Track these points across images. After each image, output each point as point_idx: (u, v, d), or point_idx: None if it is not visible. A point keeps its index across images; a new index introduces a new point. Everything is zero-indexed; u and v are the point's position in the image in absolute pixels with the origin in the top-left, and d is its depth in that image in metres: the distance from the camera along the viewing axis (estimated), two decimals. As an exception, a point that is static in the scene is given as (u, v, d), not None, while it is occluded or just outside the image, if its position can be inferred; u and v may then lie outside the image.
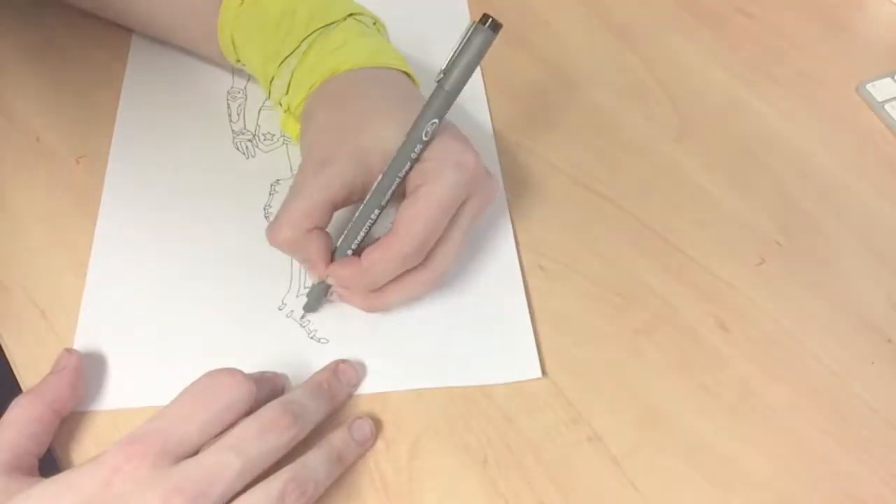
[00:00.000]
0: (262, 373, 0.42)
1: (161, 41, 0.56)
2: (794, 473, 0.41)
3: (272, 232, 0.42)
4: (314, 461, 0.38)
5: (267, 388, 0.41)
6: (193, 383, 0.37)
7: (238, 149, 0.51)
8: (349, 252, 0.43)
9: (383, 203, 0.42)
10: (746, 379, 0.44)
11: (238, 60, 0.50)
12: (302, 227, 0.41)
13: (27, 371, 0.43)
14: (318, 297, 0.45)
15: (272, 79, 0.47)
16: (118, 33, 0.57)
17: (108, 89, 0.54)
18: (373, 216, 0.42)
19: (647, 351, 0.45)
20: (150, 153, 0.51)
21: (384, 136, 0.42)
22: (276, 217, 0.42)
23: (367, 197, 0.42)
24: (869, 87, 0.58)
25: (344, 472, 0.40)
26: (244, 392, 0.37)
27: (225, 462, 0.35)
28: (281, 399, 0.38)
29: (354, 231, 0.43)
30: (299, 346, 0.44)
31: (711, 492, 0.41)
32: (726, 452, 0.42)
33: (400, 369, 0.44)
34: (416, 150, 0.41)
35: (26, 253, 0.47)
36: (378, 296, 0.43)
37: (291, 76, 0.46)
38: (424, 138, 0.41)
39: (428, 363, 0.44)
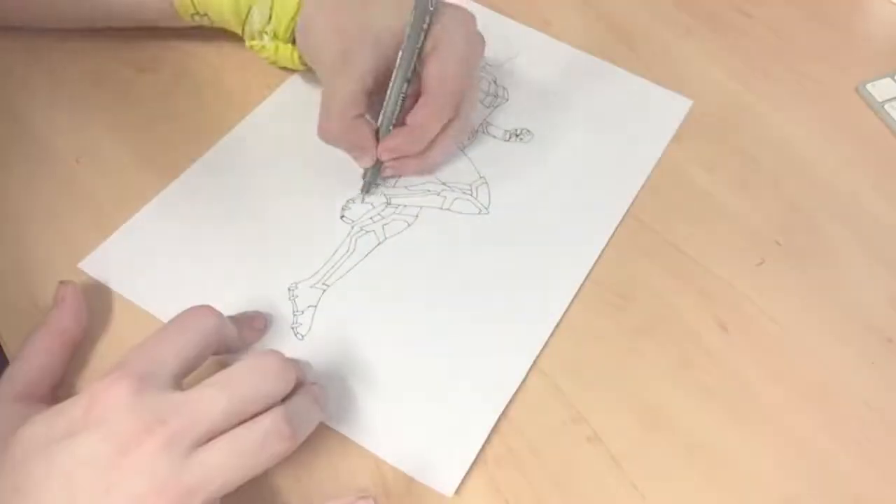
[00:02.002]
0: (243, 313, 0.44)
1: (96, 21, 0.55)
2: (794, 473, 0.41)
3: (323, 127, 0.47)
4: (301, 406, 0.37)
5: (246, 326, 0.43)
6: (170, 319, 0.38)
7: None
8: (391, 128, 0.48)
9: (409, 75, 0.47)
10: (746, 379, 0.44)
11: (195, 14, 0.51)
12: (349, 116, 0.47)
13: (27, 371, 0.43)
14: (373, 178, 0.50)
15: (248, 11, 0.50)
16: (118, 34, 0.57)
17: (108, 90, 0.54)
18: (403, 90, 0.47)
19: (647, 351, 0.45)
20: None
21: (389, 16, 0.47)
22: (323, 114, 0.47)
23: (395, 73, 0.47)
24: (869, 87, 0.58)
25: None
26: (214, 319, 0.38)
27: (210, 397, 0.34)
28: (273, 350, 0.38)
29: (391, 108, 0.48)
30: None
31: (711, 492, 0.41)
32: (726, 452, 0.42)
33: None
34: (427, 21, 0.46)
35: (26, 253, 0.47)
36: (427, 156, 0.49)
37: (272, 1, 0.49)
38: (431, 8, 0.46)
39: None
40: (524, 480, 0.41)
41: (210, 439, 0.34)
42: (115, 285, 0.46)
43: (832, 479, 0.41)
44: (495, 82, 0.56)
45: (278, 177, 0.51)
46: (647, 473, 0.41)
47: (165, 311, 0.44)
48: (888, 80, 0.58)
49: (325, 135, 0.48)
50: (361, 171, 0.50)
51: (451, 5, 0.48)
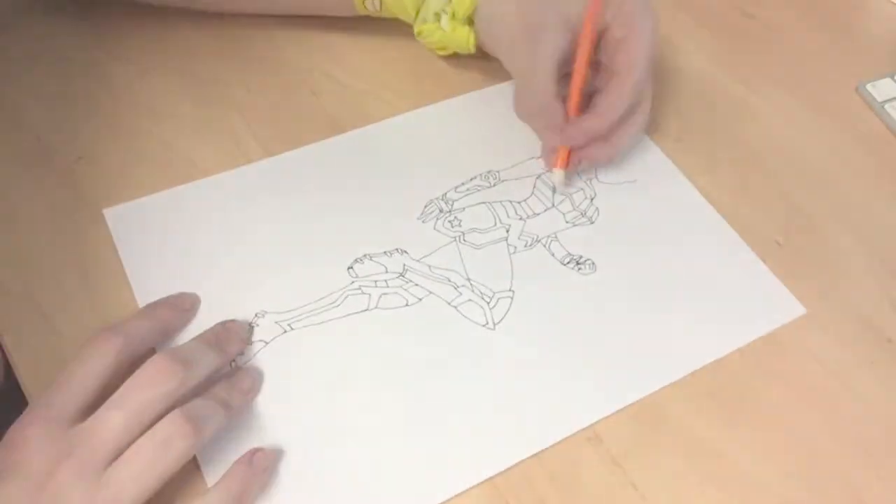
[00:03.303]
0: (169, 297, 0.44)
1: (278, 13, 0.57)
2: (794, 474, 0.41)
3: (523, 104, 0.49)
4: (200, 405, 0.38)
5: (169, 311, 0.43)
6: None
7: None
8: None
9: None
10: (746, 379, 0.44)
11: (371, 1, 0.53)
12: (549, 94, 0.47)
13: (27, 371, 0.42)
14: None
15: None
16: (118, 34, 0.57)
17: (109, 89, 0.54)
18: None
19: (647, 351, 0.45)
20: None
21: (577, 1, 0.48)
22: (522, 91, 0.48)
23: (580, 57, 0.48)
24: (869, 87, 0.58)
25: (232, 420, 0.40)
26: (115, 344, 0.39)
27: (108, 419, 0.37)
28: (165, 349, 0.40)
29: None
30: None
31: (711, 492, 0.41)
32: (726, 452, 0.42)
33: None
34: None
35: (26, 253, 0.47)
36: (614, 142, 0.49)
37: None
38: None
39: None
40: (524, 481, 0.41)
41: (119, 455, 0.36)
42: (120, 245, 0.46)
43: (832, 479, 0.41)
44: (591, 200, 0.51)
45: (317, 206, 0.49)
46: (647, 473, 0.41)
47: (145, 291, 0.45)
48: (888, 80, 0.58)
49: (524, 112, 0.49)
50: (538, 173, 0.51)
51: None
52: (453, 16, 0.52)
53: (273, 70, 0.56)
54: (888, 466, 0.42)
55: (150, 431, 0.37)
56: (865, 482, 0.41)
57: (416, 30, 0.54)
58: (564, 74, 0.49)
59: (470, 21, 0.52)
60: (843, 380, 0.44)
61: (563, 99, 0.49)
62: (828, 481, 0.41)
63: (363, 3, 0.53)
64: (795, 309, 0.47)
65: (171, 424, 0.37)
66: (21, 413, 0.38)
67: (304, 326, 0.44)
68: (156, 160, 0.51)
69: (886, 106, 0.57)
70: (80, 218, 0.48)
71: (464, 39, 0.52)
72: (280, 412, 0.41)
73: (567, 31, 0.48)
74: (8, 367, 0.43)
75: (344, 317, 0.45)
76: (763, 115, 0.57)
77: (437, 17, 0.52)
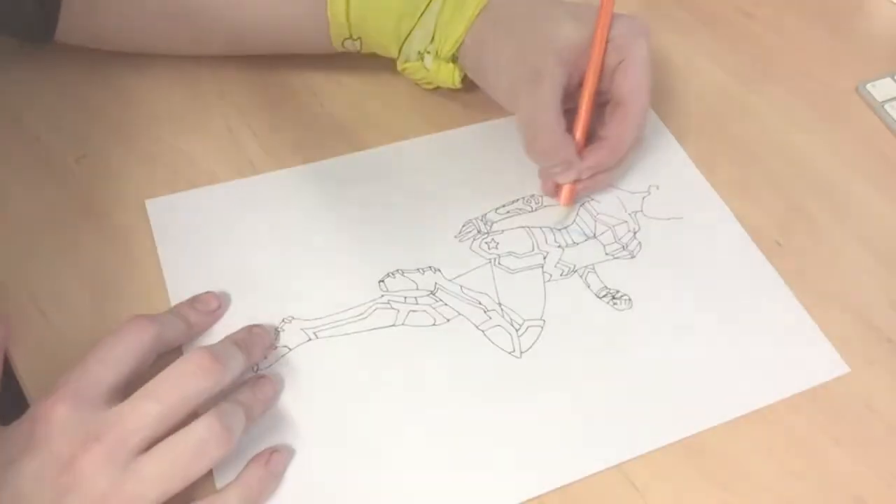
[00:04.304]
0: (195, 297, 0.44)
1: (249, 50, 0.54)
2: (794, 473, 0.41)
3: (534, 146, 0.47)
4: (230, 411, 0.38)
5: (195, 312, 0.43)
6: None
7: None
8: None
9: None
10: (746, 379, 0.44)
11: (348, 38, 0.51)
12: (559, 131, 0.46)
13: (27, 370, 0.42)
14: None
15: (409, 33, 0.50)
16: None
17: (109, 89, 0.54)
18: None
19: (648, 351, 0.45)
20: None
21: (567, 30, 0.47)
22: (532, 133, 0.46)
23: (585, 88, 0.48)
24: (869, 87, 0.58)
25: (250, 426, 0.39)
26: (149, 331, 0.38)
27: (142, 408, 0.36)
28: (200, 346, 0.39)
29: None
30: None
31: (712, 492, 0.41)
32: (727, 452, 0.42)
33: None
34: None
35: (26, 253, 0.47)
36: (615, 170, 0.49)
37: (436, 21, 0.49)
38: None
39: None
40: (524, 480, 0.41)
41: (150, 446, 0.35)
42: (158, 237, 0.47)
43: (832, 479, 0.41)
44: (635, 235, 0.49)
45: (355, 217, 0.49)
46: (647, 473, 0.41)
47: (177, 288, 0.45)
48: (888, 80, 0.58)
49: (538, 153, 0.47)
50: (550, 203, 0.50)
51: (625, 16, 0.48)
52: (437, 55, 0.50)
53: (275, 70, 0.56)
54: (889, 466, 0.42)
55: (185, 431, 0.36)
56: (866, 482, 0.41)
57: (399, 67, 0.53)
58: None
59: (453, 58, 0.50)
60: (844, 380, 0.44)
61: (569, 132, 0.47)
62: (828, 481, 0.41)
63: (342, 42, 0.52)
64: (839, 367, 0.45)
65: (209, 430, 0.36)
66: (20, 413, 0.37)
67: (330, 336, 0.44)
68: (156, 160, 0.51)
69: (886, 106, 0.57)
70: (80, 218, 0.48)
71: (449, 76, 0.51)
72: (297, 420, 0.41)
73: (563, 67, 0.46)
74: (8, 367, 0.43)
75: (370, 330, 0.44)
76: (763, 114, 0.57)
77: (421, 56, 0.51)
